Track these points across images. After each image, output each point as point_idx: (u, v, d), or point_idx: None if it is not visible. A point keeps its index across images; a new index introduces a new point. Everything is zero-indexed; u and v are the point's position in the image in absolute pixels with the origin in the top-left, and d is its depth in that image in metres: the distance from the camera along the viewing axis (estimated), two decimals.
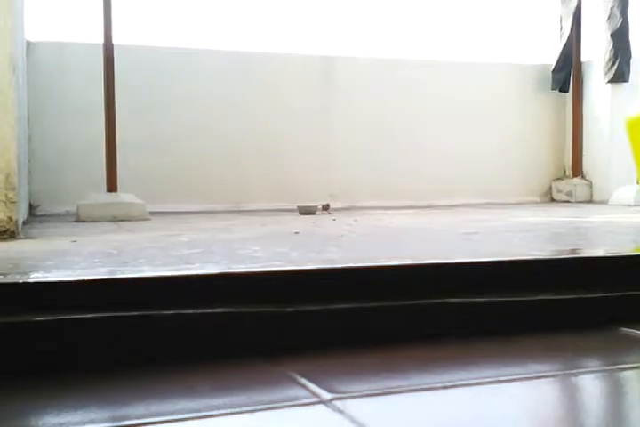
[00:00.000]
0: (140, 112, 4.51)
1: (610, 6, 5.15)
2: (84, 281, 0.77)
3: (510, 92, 5.55)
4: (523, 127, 5.57)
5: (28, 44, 4.23)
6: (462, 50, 5.72)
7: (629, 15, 5.13)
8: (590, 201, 5.40)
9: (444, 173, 5.31)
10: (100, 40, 3.74)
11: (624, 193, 4.71)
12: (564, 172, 5.65)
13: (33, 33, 4.32)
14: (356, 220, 3.86)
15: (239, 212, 4.59)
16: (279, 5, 5.41)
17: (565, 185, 5.53)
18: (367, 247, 2.62)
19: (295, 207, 4.44)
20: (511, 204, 5.29)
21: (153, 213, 3.97)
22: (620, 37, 5.14)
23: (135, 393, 0.65)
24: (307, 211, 4.32)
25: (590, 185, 5.44)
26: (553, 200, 5.60)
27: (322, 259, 2.05)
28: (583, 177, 5.50)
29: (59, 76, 4.37)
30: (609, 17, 5.18)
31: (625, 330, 0.85)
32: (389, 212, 4.56)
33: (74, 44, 4.40)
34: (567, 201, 5.45)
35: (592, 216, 4.21)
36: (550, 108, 5.63)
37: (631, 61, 5.12)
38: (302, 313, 0.80)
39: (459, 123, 5.37)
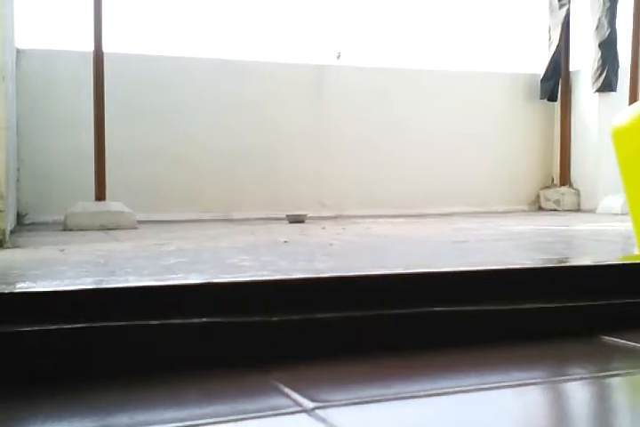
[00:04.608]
0: (131, 120, 4.52)
1: (598, 16, 5.20)
2: (69, 291, 0.77)
3: (499, 101, 5.59)
4: (511, 136, 5.60)
5: (18, 51, 4.23)
6: (453, 59, 5.76)
7: (617, 25, 5.18)
8: (578, 210, 5.43)
9: (434, 182, 5.34)
10: (91, 48, 3.75)
11: (611, 202, 4.74)
12: (552, 180, 5.69)
13: (23, 40, 4.32)
14: (344, 228, 3.87)
15: (229, 220, 4.59)
16: (272, 14, 5.43)
17: (553, 193, 5.57)
18: (355, 256, 2.63)
19: (285, 216, 4.44)
20: (500, 212, 5.31)
21: (142, 222, 3.97)
22: (608, 47, 5.19)
23: (120, 403, 0.66)
24: (296, 219, 4.33)
25: (578, 194, 5.48)
26: (541, 209, 5.63)
27: (310, 268, 2.05)
28: (571, 186, 5.53)
29: (48, 84, 4.37)
30: (597, 27, 5.23)
31: (605, 338, 0.87)
32: (378, 220, 4.57)
33: (64, 51, 4.41)
34: (555, 209, 5.48)
35: (579, 225, 4.23)
36: (539, 116, 5.67)
37: (619, 71, 5.17)
38: (288, 322, 0.80)
39: (449, 131, 5.40)
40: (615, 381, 0.73)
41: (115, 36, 4.10)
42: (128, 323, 0.75)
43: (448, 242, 3.15)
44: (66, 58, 4.39)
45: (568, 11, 5.48)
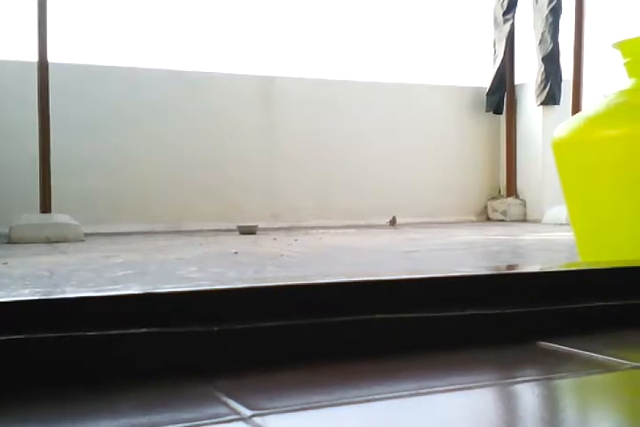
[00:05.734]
0: (77, 132, 4.45)
1: (541, 31, 5.34)
2: (6, 303, 0.76)
3: (447, 114, 5.69)
4: (460, 148, 5.70)
5: None
6: (401, 72, 5.84)
7: (560, 39, 5.32)
8: (524, 220, 5.54)
9: (385, 193, 5.39)
10: (35, 58, 3.69)
11: (557, 212, 4.85)
12: (499, 191, 5.80)
13: None
14: (296, 239, 3.87)
15: (178, 232, 4.55)
16: (221, 25, 5.43)
17: (500, 204, 5.67)
18: (306, 267, 2.64)
19: (236, 227, 4.42)
20: (449, 222, 5.39)
21: (89, 235, 3.91)
22: (551, 61, 5.33)
23: (53, 414, 0.64)
24: (247, 231, 4.31)
25: (524, 204, 5.59)
26: (489, 219, 5.73)
27: (260, 279, 2.05)
28: (517, 197, 5.65)
29: None
30: (540, 41, 5.37)
31: (542, 343, 0.89)
32: (331, 231, 4.59)
33: (7, 62, 4.32)
34: (502, 220, 5.58)
35: (526, 235, 4.32)
36: (485, 129, 5.78)
37: (562, 84, 5.30)
38: (229, 332, 0.80)
39: (399, 143, 5.46)
40: (549, 383, 0.75)
41: (60, 45, 4.05)
42: (64, 334, 0.74)
43: (398, 252, 3.18)
44: (9, 68, 4.31)
45: (512, 25, 5.61)
